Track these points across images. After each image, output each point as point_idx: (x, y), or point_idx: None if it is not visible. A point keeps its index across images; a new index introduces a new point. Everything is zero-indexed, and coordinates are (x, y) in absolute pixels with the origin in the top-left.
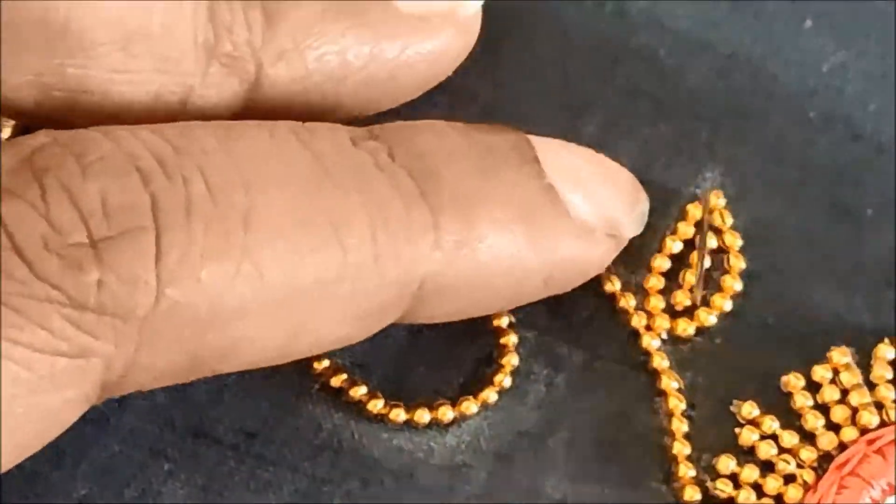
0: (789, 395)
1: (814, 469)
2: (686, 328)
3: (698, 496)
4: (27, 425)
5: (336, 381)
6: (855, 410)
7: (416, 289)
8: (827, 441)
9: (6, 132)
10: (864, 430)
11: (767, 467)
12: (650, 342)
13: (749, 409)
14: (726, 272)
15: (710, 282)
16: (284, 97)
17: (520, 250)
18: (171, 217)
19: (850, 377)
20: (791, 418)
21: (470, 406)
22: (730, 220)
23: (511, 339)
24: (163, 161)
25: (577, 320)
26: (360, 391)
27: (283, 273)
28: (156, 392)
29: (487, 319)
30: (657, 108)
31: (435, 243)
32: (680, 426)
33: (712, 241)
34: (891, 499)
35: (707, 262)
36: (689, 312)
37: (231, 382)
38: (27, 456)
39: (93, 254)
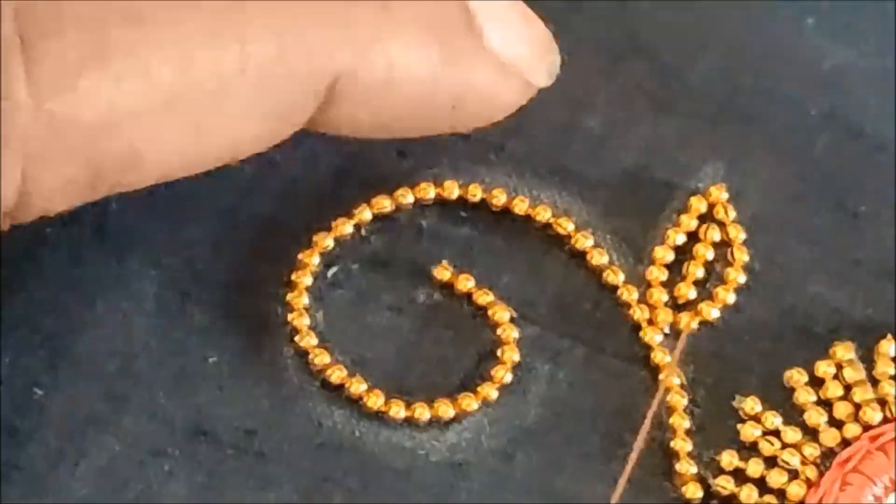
0: (792, 390)
1: (816, 465)
2: (688, 322)
3: (700, 493)
4: None
5: (336, 377)
6: (858, 407)
7: (324, 87)
8: (830, 437)
9: None
10: (866, 427)
11: (770, 463)
12: (652, 336)
13: (751, 405)
14: (729, 265)
15: (713, 275)
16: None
17: (430, 62)
18: (41, 24)
19: (853, 373)
20: (794, 414)
21: (470, 403)
22: (733, 214)
23: (512, 334)
24: None
25: (579, 314)
26: (359, 388)
27: (173, 70)
28: (155, 391)
29: (488, 314)
30: (659, 106)
31: (346, 39)
32: (681, 422)
33: (715, 234)
34: (893, 496)
35: (710, 255)
36: (691, 306)
37: (230, 381)
38: None
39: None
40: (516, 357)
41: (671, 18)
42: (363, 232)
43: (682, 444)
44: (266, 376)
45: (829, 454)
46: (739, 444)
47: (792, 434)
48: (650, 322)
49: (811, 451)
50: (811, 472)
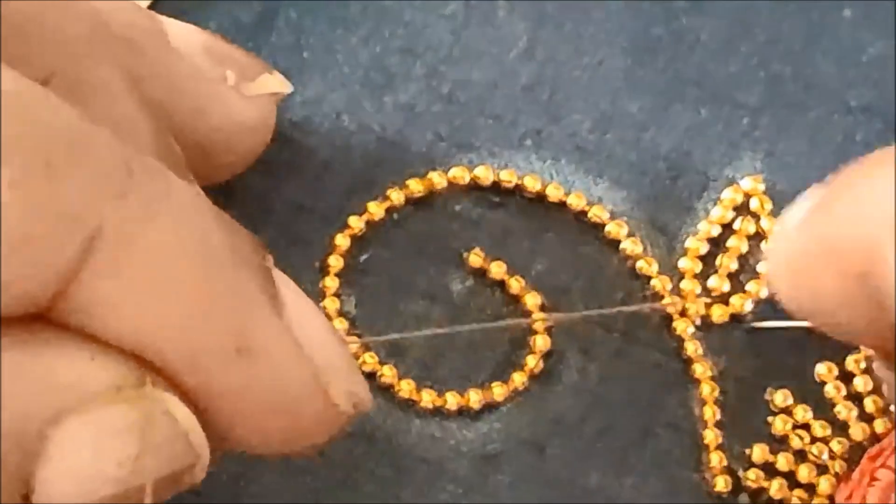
0: (822, 384)
1: (845, 460)
2: (721, 315)
3: (729, 486)
4: None
5: (368, 365)
6: (888, 402)
7: (87, 234)
8: (859, 432)
9: None
10: None
11: (799, 457)
12: (684, 328)
13: (782, 398)
14: (763, 258)
15: (747, 267)
16: None
17: (214, 285)
18: None
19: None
20: (824, 408)
21: (501, 392)
22: (769, 206)
23: (543, 323)
24: None
25: (612, 303)
26: (390, 375)
27: None
28: None
29: (519, 302)
30: (698, 94)
31: (123, 194)
32: (711, 414)
33: (750, 227)
34: None
35: (744, 248)
36: (723, 298)
37: None
38: None
39: None
40: (547, 346)
41: (711, 8)
42: (396, 217)
43: (712, 437)
44: None
45: (858, 449)
46: (769, 438)
47: (821, 428)
48: (682, 313)
49: (840, 445)
50: (840, 467)
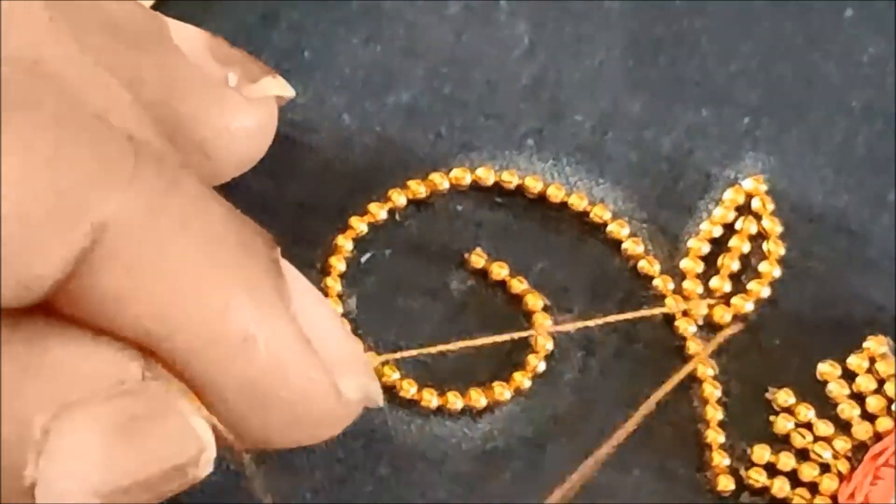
0: (825, 383)
1: (848, 459)
2: (723, 314)
3: (732, 485)
4: None
5: None
6: (891, 401)
7: (94, 223)
8: (862, 431)
9: None
10: None
11: (802, 456)
12: (686, 327)
13: (785, 397)
14: (764, 258)
15: (749, 268)
16: None
17: (221, 275)
18: None
19: (887, 367)
20: (826, 407)
21: (503, 391)
22: (770, 206)
23: (545, 323)
24: None
25: (613, 303)
26: (392, 375)
27: None
28: None
29: (522, 302)
30: (700, 94)
31: (129, 184)
32: (714, 414)
33: (752, 227)
34: None
35: (746, 248)
36: (725, 299)
37: None
38: None
39: None
40: (549, 346)
41: (712, 8)
42: (398, 217)
43: (715, 436)
44: None
45: (861, 448)
46: (772, 437)
47: (824, 427)
48: (684, 313)
49: (843, 444)
50: (843, 466)
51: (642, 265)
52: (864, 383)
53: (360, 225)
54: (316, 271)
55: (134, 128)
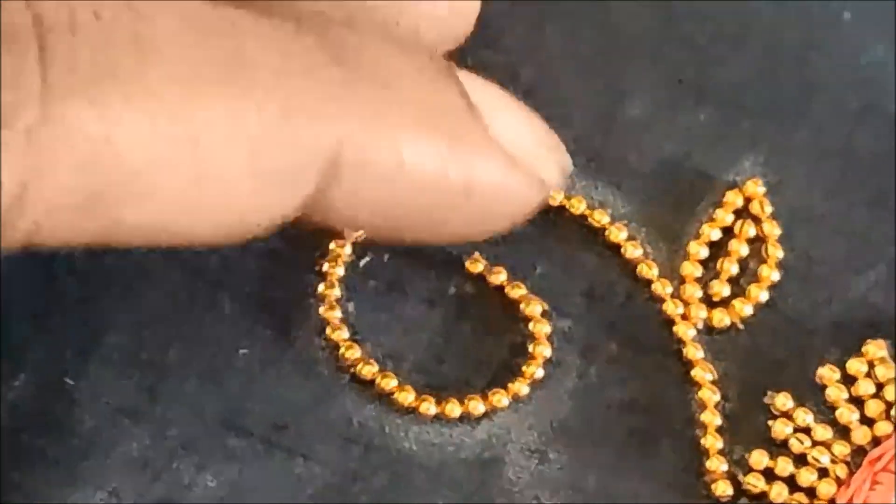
0: (824, 387)
1: (847, 464)
2: (722, 318)
3: (730, 490)
4: None
5: (367, 372)
6: (889, 405)
7: (328, 155)
8: (861, 435)
9: None
10: None
11: (800, 461)
12: (685, 331)
13: (783, 401)
14: (763, 262)
15: (747, 271)
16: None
17: (437, 147)
18: (57, 36)
19: (886, 371)
20: (825, 411)
21: (501, 399)
22: (769, 209)
23: (543, 329)
24: None
25: (612, 307)
26: (390, 383)
27: (182, 104)
28: (186, 383)
29: (520, 308)
30: (699, 97)
31: (348, 109)
32: (712, 419)
33: (750, 230)
34: None
35: (744, 251)
36: (724, 303)
37: (261, 374)
38: None
39: None
40: (548, 352)
41: (711, 9)
42: None
43: (713, 442)
44: (297, 369)
45: (859, 452)
46: (770, 441)
47: (822, 432)
48: (684, 317)
49: (841, 449)
50: (841, 471)
51: (641, 269)
52: (864, 387)
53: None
54: (314, 276)
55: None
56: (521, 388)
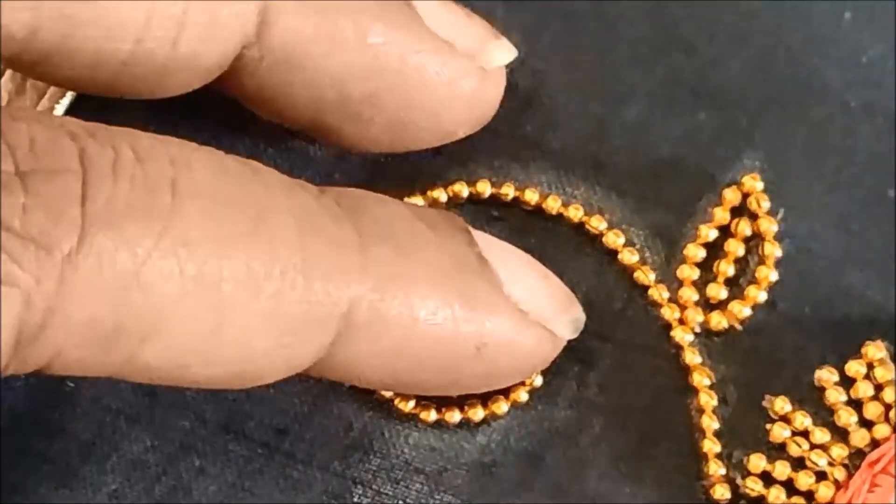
0: (822, 390)
1: (845, 466)
2: (720, 321)
3: (728, 494)
4: None
5: None
6: (888, 407)
7: (343, 312)
8: (859, 438)
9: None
10: None
11: (798, 464)
12: (682, 336)
13: (781, 405)
14: (761, 262)
15: (746, 270)
16: (292, 54)
17: (450, 305)
18: (98, 168)
19: (885, 373)
20: (824, 414)
21: (500, 405)
22: (766, 204)
23: None
24: (93, 132)
25: (610, 313)
26: (389, 391)
27: (210, 251)
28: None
29: None
30: (697, 98)
31: (363, 268)
32: (710, 423)
33: (747, 229)
34: None
35: (741, 251)
36: (722, 305)
37: None
38: None
39: (19, 181)
40: None
41: (710, 11)
42: None
43: (711, 446)
44: (297, 375)
45: (858, 455)
46: (769, 445)
47: (821, 434)
48: (681, 321)
49: (839, 452)
50: (840, 474)
51: (638, 275)
52: (863, 389)
53: None
54: None
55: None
56: (521, 394)
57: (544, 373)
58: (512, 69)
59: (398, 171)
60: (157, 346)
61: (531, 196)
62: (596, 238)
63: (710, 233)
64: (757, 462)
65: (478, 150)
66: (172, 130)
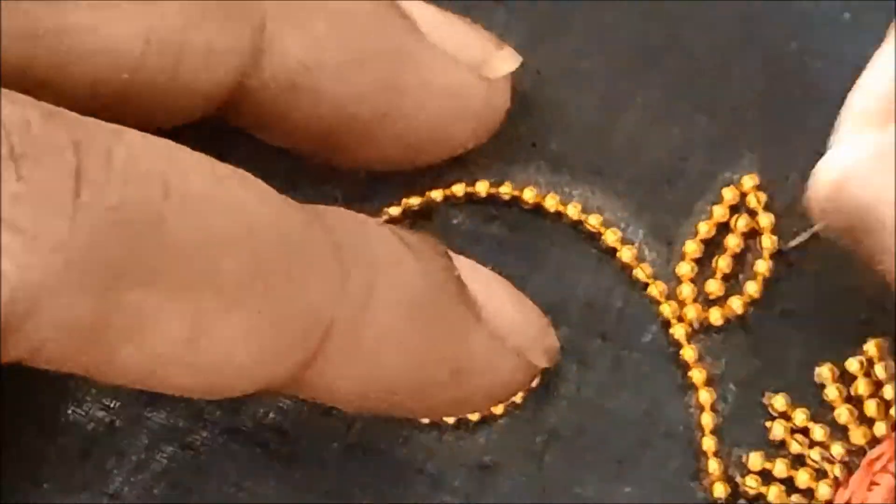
0: (822, 386)
1: (845, 464)
2: (718, 317)
3: (727, 492)
4: None
5: None
6: (888, 404)
7: (320, 329)
8: (859, 435)
9: None
10: None
11: (798, 462)
12: (681, 333)
13: (781, 402)
14: (759, 256)
15: (745, 266)
16: (294, 80)
17: (426, 327)
18: (92, 159)
19: (884, 370)
20: (823, 411)
21: (498, 406)
22: (764, 199)
23: None
24: (86, 125)
25: (609, 312)
26: None
27: (194, 251)
28: None
29: None
30: (697, 104)
31: (342, 287)
32: (709, 421)
33: (745, 224)
34: None
35: (739, 246)
36: (720, 301)
37: None
38: None
39: (13, 165)
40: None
41: (710, 15)
42: None
43: (710, 443)
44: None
45: (858, 452)
46: (768, 443)
47: (820, 432)
48: (680, 318)
49: (839, 449)
50: (839, 471)
51: (636, 272)
52: (863, 386)
53: None
54: None
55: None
56: (518, 395)
57: (542, 373)
58: (514, 71)
59: (396, 173)
60: (134, 349)
61: (529, 195)
62: (594, 236)
63: (708, 230)
64: (756, 460)
65: (476, 152)
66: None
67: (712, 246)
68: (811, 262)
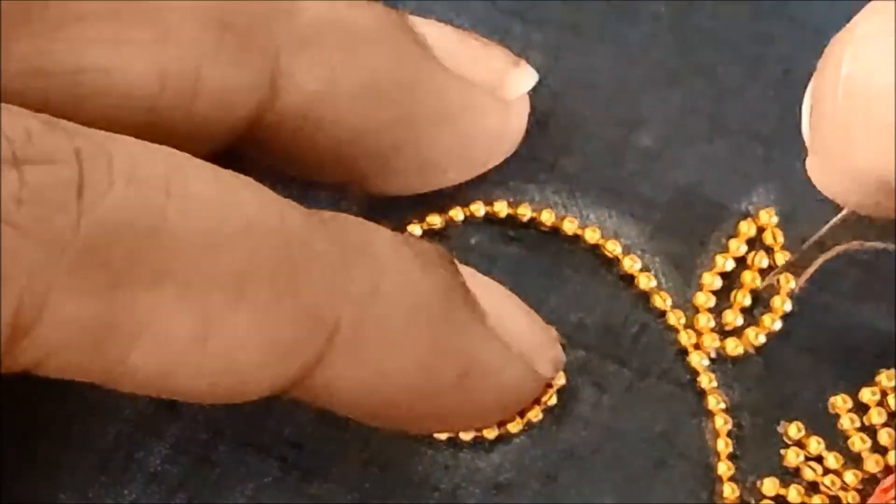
0: (836, 416)
1: (858, 492)
2: (735, 347)
3: None
4: None
5: None
6: None
7: (326, 332)
8: (872, 464)
9: None
10: None
11: (812, 489)
12: (698, 361)
13: (795, 430)
14: (776, 292)
15: (761, 301)
16: (310, 113)
17: (432, 329)
18: (94, 165)
19: None
20: (837, 440)
21: (515, 424)
22: (781, 239)
23: None
24: (86, 134)
25: (626, 337)
26: None
27: (199, 253)
28: None
29: None
30: (713, 125)
31: (346, 290)
32: (724, 447)
33: (763, 261)
34: None
35: (757, 282)
36: (738, 332)
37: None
38: None
39: (16, 172)
40: (562, 380)
41: (728, 37)
42: None
43: (725, 469)
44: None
45: (871, 480)
46: (782, 469)
47: (834, 460)
48: (697, 346)
49: (853, 477)
50: (853, 499)
51: (654, 300)
52: (876, 416)
53: None
54: None
55: None
56: (536, 414)
57: (559, 393)
58: (529, 91)
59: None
60: (144, 351)
61: (548, 217)
62: (612, 262)
63: (726, 262)
64: (771, 486)
65: (493, 170)
66: None
67: (729, 277)
68: (826, 293)
